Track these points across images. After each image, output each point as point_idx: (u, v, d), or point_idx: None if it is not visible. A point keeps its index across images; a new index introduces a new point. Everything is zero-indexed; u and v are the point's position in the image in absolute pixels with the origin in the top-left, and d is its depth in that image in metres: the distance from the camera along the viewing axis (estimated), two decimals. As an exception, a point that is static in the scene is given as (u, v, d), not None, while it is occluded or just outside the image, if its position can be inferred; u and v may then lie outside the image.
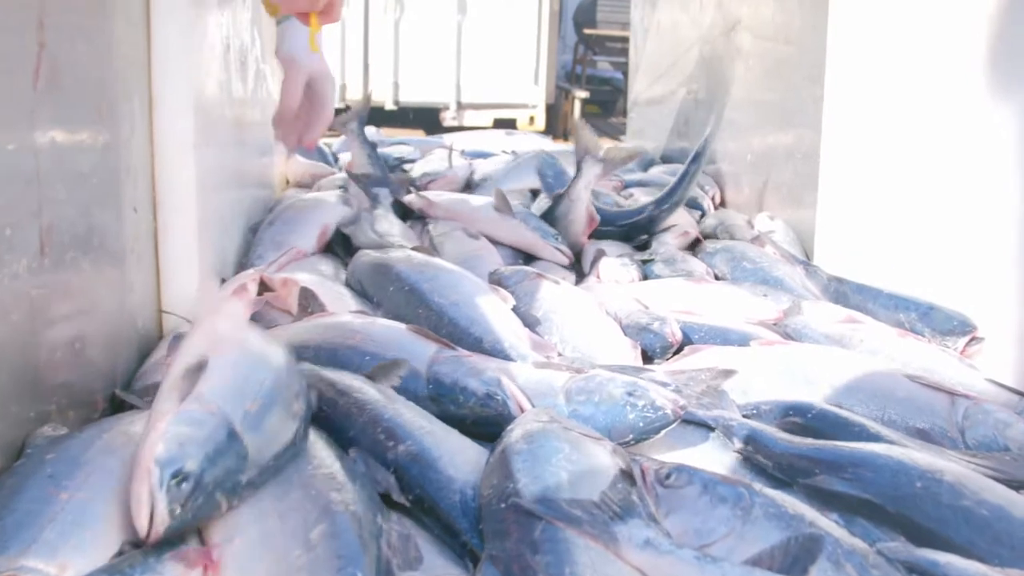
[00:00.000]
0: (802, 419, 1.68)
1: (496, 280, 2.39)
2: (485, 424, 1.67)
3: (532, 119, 10.68)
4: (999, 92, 2.15)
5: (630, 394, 1.64)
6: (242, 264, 2.64)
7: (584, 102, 11.24)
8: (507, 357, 1.97)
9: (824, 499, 1.43)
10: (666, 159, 4.71)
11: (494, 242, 2.87)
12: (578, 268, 2.90)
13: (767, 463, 1.55)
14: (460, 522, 1.37)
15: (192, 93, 2.12)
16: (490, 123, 10.20)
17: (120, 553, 1.16)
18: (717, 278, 2.78)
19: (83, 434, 1.37)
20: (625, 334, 2.18)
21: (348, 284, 2.47)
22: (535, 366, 1.87)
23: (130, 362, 1.90)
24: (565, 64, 13.23)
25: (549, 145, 5.48)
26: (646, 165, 4.64)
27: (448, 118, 10.61)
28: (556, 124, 10.98)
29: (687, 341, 2.17)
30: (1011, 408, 1.75)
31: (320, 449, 1.39)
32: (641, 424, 1.61)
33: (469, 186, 3.83)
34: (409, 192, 3.32)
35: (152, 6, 2.03)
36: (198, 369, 1.30)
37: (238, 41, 2.67)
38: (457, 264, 2.44)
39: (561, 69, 12.55)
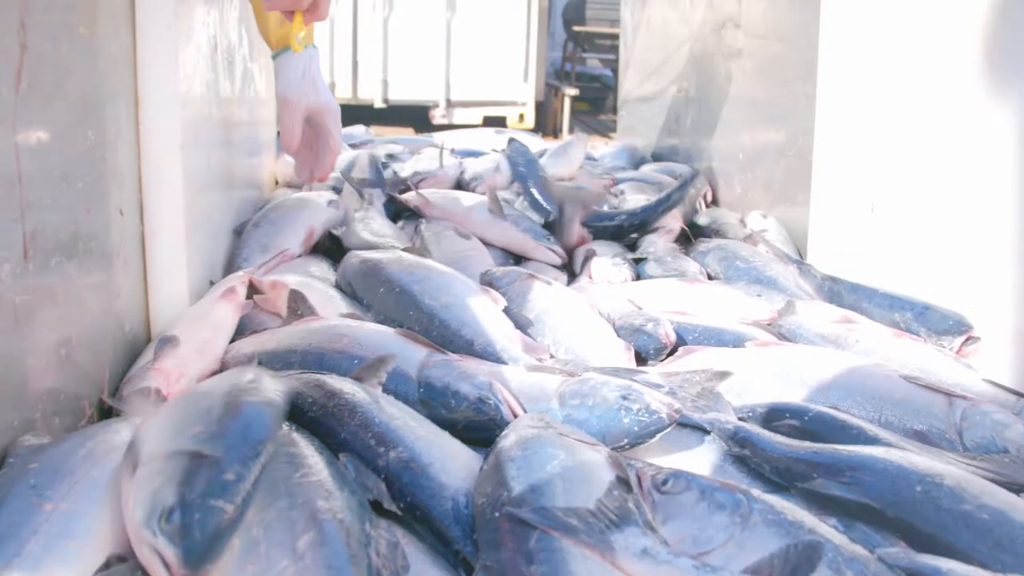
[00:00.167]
0: (799, 422, 1.66)
1: (487, 281, 2.37)
2: (477, 429, 1.65)
3: (522, 116, 10.65)
4: (994, 88, 2.13)
5: (624, 398, 1.62)
6: (230, 266, 2.61)
7: (574, 99, 11.21)
8: (499, 360, 1.95)
9: (822, 503, 1.42)
10: (657, 157, 4.70)
11: (487, 243, 2.84)
12: (570, 268, 2.88)
13: (764, 467, 1.53)
14: (453, 530, 1.35)
15: (178, 93, 2.10)
16: (480, 121, 10.16)
17: (107, 565, 1.14)
18: (710, 277, 2.76)
19: (66, 443, 1.34)
20: (618, 335, 2.17)
21: (338, 286, 2.45)
22: (528, 369, 1.85)
23: (117, 366, 1.87)
24: (554, 61, 13.22)
25: (539, 143, 5.46)
26: (637, 163, 4.63)
27: (437, 116, 10.57)
28: (546, 122, 10.95)
29: (681, 342, 2.15)
30: (1008, 409, 1.73)
31: (308, 455, 1.36)
32: (636, 428, 1.59)
33: (460, 185, 3.81)
34: (405, 191, 3.30)
35: (137, 5, 2.00)
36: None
37: (225, 40, 2.64)
38: (448, 265, 2.42)
39: (550, 66, 12.53)
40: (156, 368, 1.80)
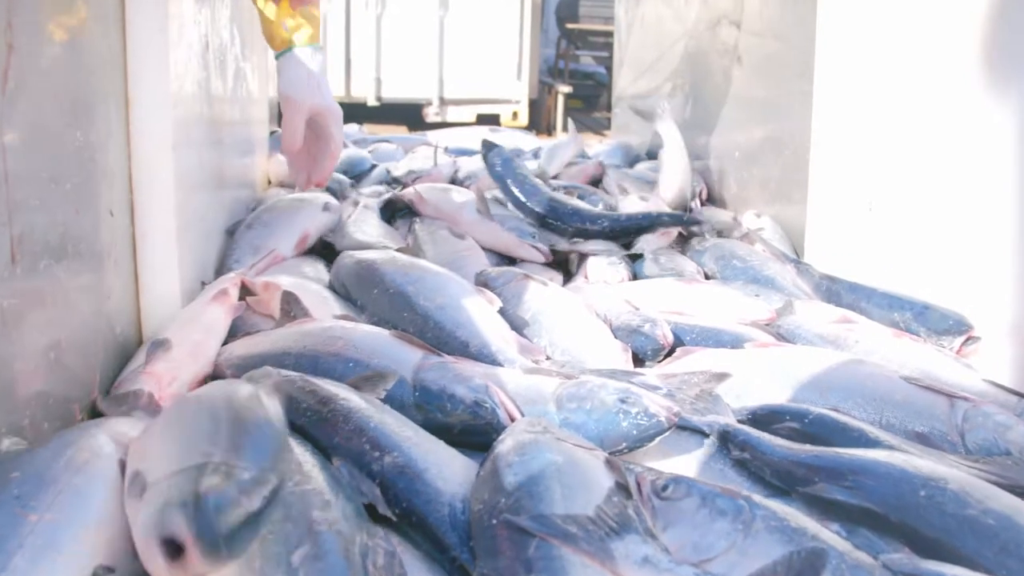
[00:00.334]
0: (799, 424, 1.64)
1: (482, 282, 2.35)
2: (473, 433, 1.64)
3: (515, 114, 10.63)
4: (993, 85, 2.12)
5: (623, 401, 1.60)
6: (222, 267, 2.58)
7: (567, 97, 11.19)
8: (494, 362, 1.93)
9: (824, 508, 1.40)
10: (651, 155, 4.67)
11: (477, 243, 2.82)
12: (565, 268, 2.86)
13: (764, 470, 1.51)
14: (449, 537, 1.32)
15: (170, 93, 2.07)
16: (473, 119, 10.14)
17: (94, 576, 1.11)
18: (707, 276, 2.74)
19: (46, 449, 1.30)
20: (615, 336, 2.15)
21: (332, 287, 2.42)
22: (524, 372, 1.83)
23: (108, 369, 1.84)
24: (548, 59, 13.19)
25: (532, 140, 5.44)
26: (632, 161, 4.61)
27: (431, 114, 10.55)
28: (539, 119, 10.94)
29: (678, 343, 2.13)
30: (1010, 410, 1.71)
31: (303, 461, 1.34)
32: (635, 432, 1.57)
33: (454, 184, 3.78)
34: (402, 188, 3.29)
35: (127, 4, 1.97)
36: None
37: (217, 39, 2.61)
38: (443, 265, 2.40)
39: (544, 64, 12.52)
40: (148, 372, 1.78)
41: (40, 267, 1.50)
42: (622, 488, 1.29)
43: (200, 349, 1.91)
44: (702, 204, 3.66)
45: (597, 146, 5.19)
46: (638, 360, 2.09)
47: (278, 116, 3.51)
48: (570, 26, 13.12)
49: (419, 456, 1.43)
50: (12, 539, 1.10)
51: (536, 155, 4.66)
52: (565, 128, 9.56)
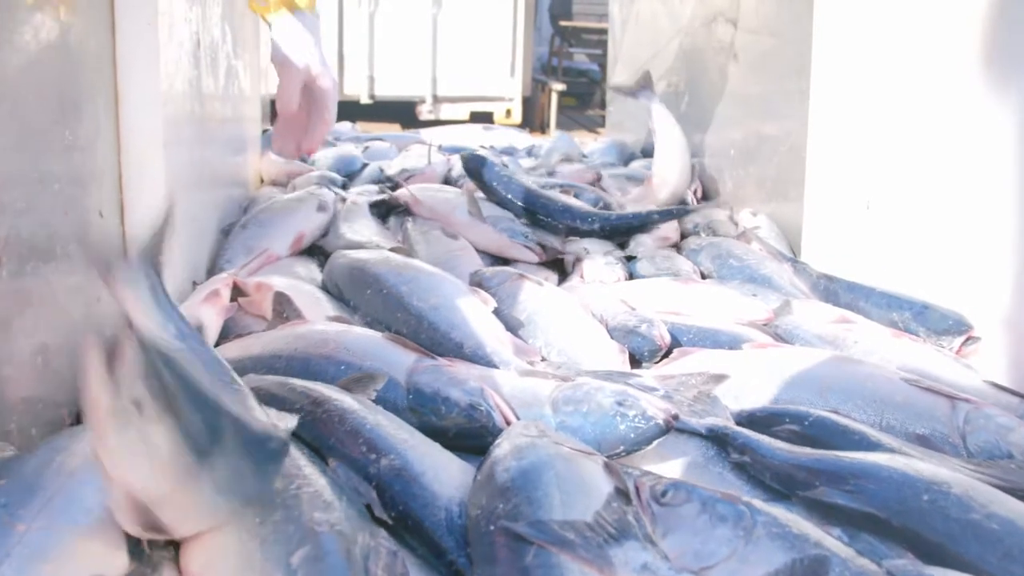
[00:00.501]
0: (799, 426, 1.62)
1: (477, 282, 2.32)
2: (468, 437, 1.62)
3: (509, 112, 10.61)
4: (992, 82, 2.10)
5: (620, 403, 1.58)
6: (214, 267, 2.55)
7: (561, 94, 11.18)
8: (489, 363, 1.91)
9: (825, 512, 1.37)
10: (646, 152, 4.65)
11: (474, 247, 2.80)
12: (560, 268, 2.84)
13: (764, 474, 1.49)
14: (446, 541, 1.31)
15: (160, 91, 2.04)
16: (467, 116, 10.12)
17: (84, 587, 1.09)
18: (703, 276, 2.72)
19: (35, 455, 1.28)
20: (612, 337, 2.13)
21: (324, 286, 2.40)
22: (519, 374, 1.81)
23: (98, 373, 1.82)
24: (541, 56, 13.18)
25: (526, 138, 5.42)
26: (626, 159, 4.59)
27: (424, 112, 10.53)
28: (533, 117, 10.91)
29: (675, 343, 2.11)
30: (1012, 411, 1.69)
31: (302, 464, 1.32)
32: (632, 435, 1.55)
33: (448, 182, 3.77)
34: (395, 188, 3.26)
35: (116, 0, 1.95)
36: None
37: (208, 37, 2.58)
38: (436, 265, 2.38)
39: (537, 61, 12.50)
40: (138, 375, 1.75)
41: (27, 270, 1.47)
42: (621, 493, 1.26)
43: (191, 351, 1.88)
44: (697, 202, 3.64)
45: (591, 144, 5.17)
46: (635, 361, 2.07)
47: (271, 115, 3.48)
48: (563, 23, 13.10)
49: (415, 459, 1.42)
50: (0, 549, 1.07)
51: (530, 153, 4.65)
52: (559, 126, 9.57)
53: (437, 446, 1.50)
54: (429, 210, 3.02)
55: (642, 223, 3.06)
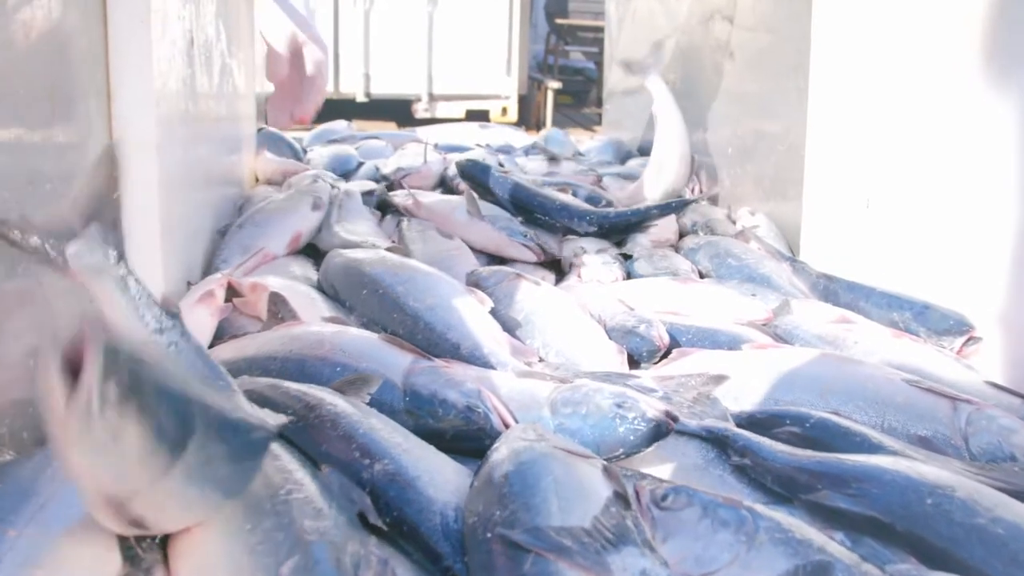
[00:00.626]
0: (799, 428, 1.60)
1: (474, 282, 2.30)
2: (466, 439, 1.60)
3: (505, 110, 10.60)
4: (993, 80, 2.08)
5: (619, 405, 1.56)
6: (210, 267, 2.53)
7: (557, 92, 11.17)
8: (486, 364, 1.89)
9: (827, 516, 1.36)
10: (643, 151, 4.63)
11: (469, 245, 2.78)
12: (558, 267, 2.82)
13: (766, 477, 1.48)
14: (442, 546, 1.29)
15: (153, 89, 2.02)
16: (462, 115, 10.11)
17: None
18: (701, 275, 2.70)
19: (30, 461, 1.26)
20: (610, 337, 2.11)
21: (320, 286, 2.38)
22: (517, 375, 1.79)
23: (91, 375, 1.79)
24: (537, 54, 13.17)
25: (522, 137, 5.40)
26: (623, 157, 4.58)
27: (420, 110, 10.52)
28: (529, 115, 10.91)
29: (674, 344, 2.10)
30: (1014, 412, 1.68)
31: (293, 469, 1.30)
32: (632, 437, 1.53)
33: (444, 181, 3.75)
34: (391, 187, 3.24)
35: (109, -2, 1.93)
36: None
37: (202, 35, 2.56)
38: (432, 264, 2.36)
39: (533, 60, 12.50)
40: (131, 377, 1.73)
41: (19, 271, 1.45)
42: (620, 498, 1.25)
43: (185, 353, 1.86)
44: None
45: (588, 142, 5.16)
46: (633, 362, 2.05)
47: (264, 114, 3.46)
48: (559, 21, 13.10)
49: (410, 463, 1.40)
50: (-11, 556, 1.06)
51: (527, 152, 4.62)
52: (555, 123, 9.55)
53: (432, 449, 1.48)
54: (428, 211, 3.00)
55: (641, 219, 3.04)
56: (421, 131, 5.28)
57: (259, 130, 4.02)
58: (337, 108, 8.55)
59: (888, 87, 2.46)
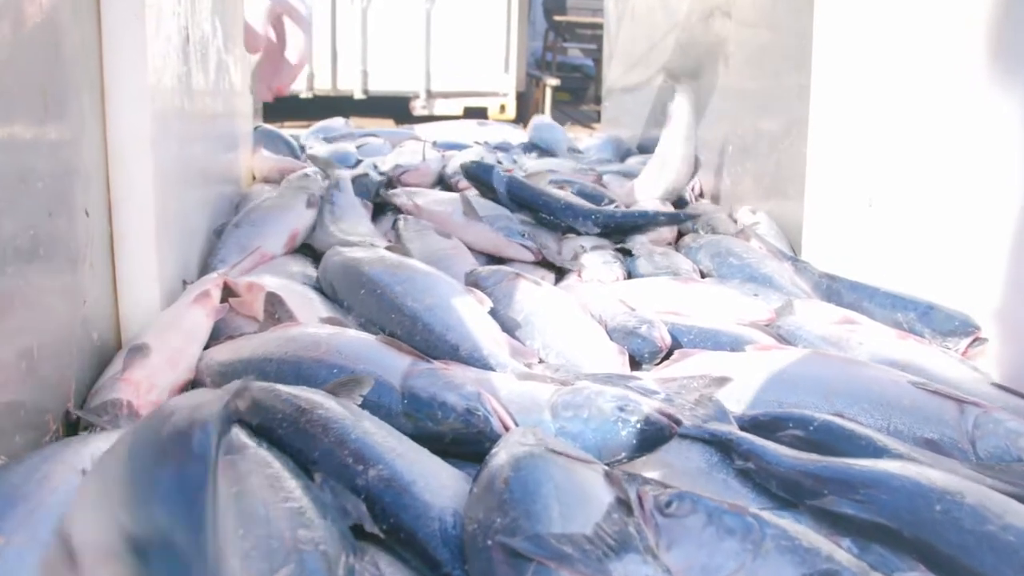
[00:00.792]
0: (803, 431, 1.58)
1: (473, 281, 2.28)
2: (465, 442, 1.57)
3: (503, 107, 10.60)
4: (999, 76, 2.06)
5: (621, 409, 1.53)
6: (206, 267, 2.51)
7: (555, 89, 11.16)
8: (486, 366, 1.86)
9: (834, 522, 1.33)
10: (643, 148, 4.62)
11: (468, 246, 2.75)
12: (557, 266, 2.79)
13: (770, 482, 1.45)
14: (440, 553, 1.26)
15: (148, 86, 1.99)
16: (460, 112, 10.11)
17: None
18: (702, 274, 2.68)
19: (20, 465, 1.23)
20: (611, 338, 2.09)
21: (319, 285, 2.35)
22: (517, 377, 1.76)
23: (86, 377, 1.77)
24: (535, 51, 13.16)
25: (520, 134, 5.38)
26: (623, 155, 4.55)
27: (418, 107, 10.52)
28: (527, 112, 10.88)
29: (676, 345, 2.07)
30: (1021, 415, 1.65)
31: (284, 477, 1.27)
32: (634, 441, 1.51)
33: (442, 179, 3.73)
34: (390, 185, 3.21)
35: (103, -7, 1.90)
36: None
37: (198, 31, 2.53)
38: (429, 263, 2.33)
39: (531, 56, 12.49)
40: (125, 379, 1.71)
41: (9, 272, 1.42)
42: (622, 504, 1.22)
43: (180, 355, 1.85)
44: (696, 199, 3.60)
45: (587, 140, 5.13)
46: (635, 363, 2.03)
47: (262, 112, 3.43)
48: (557, 18, 13.09)
49: (405, 468, 1.37)
50: (-26, 565, 1.03)
51: (526, 150, 4.60)
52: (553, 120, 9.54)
53: (428, 453, 1.45)
54: (427, 213, 2.97)
55: (649, 222, 3.01)
56: (419, 129, 5.26)
57: (256, 127, 4.00)
58: (335, 105, 8.54)
59: (891, 84, 2.43)
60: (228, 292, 2.17)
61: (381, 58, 10.39)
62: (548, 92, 10.94)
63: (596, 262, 2.63)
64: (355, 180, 3.19)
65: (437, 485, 1.36)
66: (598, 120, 6.71)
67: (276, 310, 2.01)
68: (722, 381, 1.75)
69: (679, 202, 3.53)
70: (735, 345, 2.03)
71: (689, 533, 1.21)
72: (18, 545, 1.07)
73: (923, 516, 1.27)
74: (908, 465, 1.38)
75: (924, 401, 1.67)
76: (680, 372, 1.87)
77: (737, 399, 1.74)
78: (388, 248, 2.41)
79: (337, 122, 5.37)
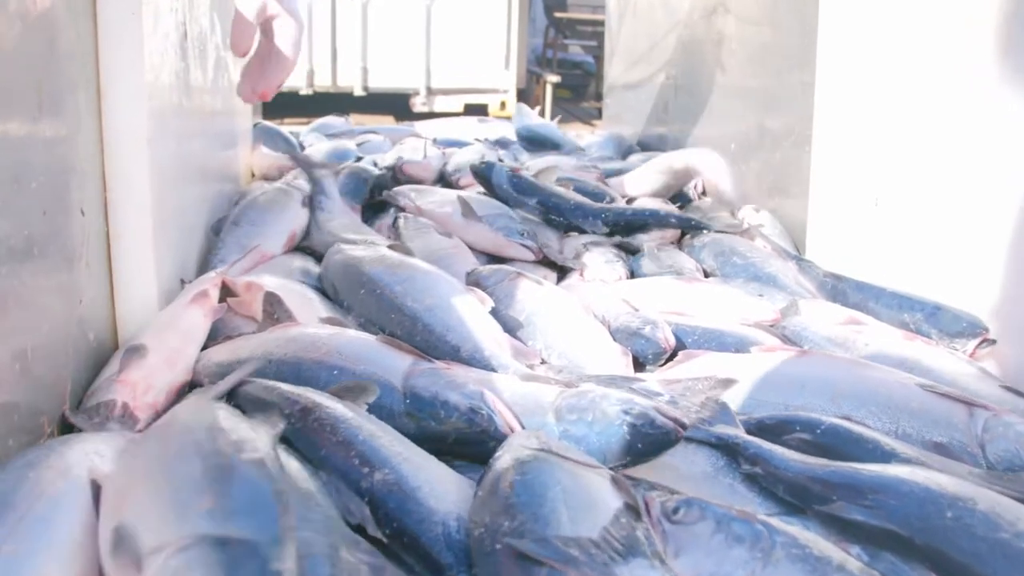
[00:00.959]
0: (810, 434, 1.55)
1: (474, 281, 2.25)
2: (468, 443, 1.55)
3: (503, 104, 10.58)
4: (1007, 74, 2.03)
5: (626, 412, 1.51)
6: (205, 266, 2.48)
7: (555, 86, 11.14)
8: (487, 367, 1.84)
9: (843, 528, 1.31)
10: (644, 146, 4.60)
11: (470, 247, 2.73)
12: (560, 266, 2.76)
13: (777, 487, 1.43)
14: (444, 557, 1.25)
15: (145, 83, 1.97)
16: (461, 108, 10.10)
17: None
18: (705, 274, 2.65)
19: (10, 470, 1.20)
20: (614, 339, 2.06)
21: (320, 284, 2.33)
22: (521, 379, 1.74)
23: (82, 378, 1.75)
24: (535, 48, 13.14)
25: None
26: (625, 152, 4.53)
27: (418, 104, 10.50)
28: (527, 109, 10.86)
29: (680, 345, 2.05)
30: (1031, 418, 1.63)
31: (288, 479, 1.25)
32: (640, 446, 1.48)
33: (443, 176, 3.70)
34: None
35: (98, -13, 1.87)
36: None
37: (196, 27, 2.51)
38: (429, 262, 2.30)
39: (531, 53, 12.47)
40: (121, 380, 1.68)
41: (3, 271, 1.40)
42: (630, 509, 1.20)
43: (178, 355, 1.82)
44: (699, 198, 3.58)
45: (589, 137, 5.11)
46: (638, 364, 2.01)
47: (262, 109, 3.40)
48: (558, 15, 13.08)
49: (410, 473, 1.35)
50: (-38, 575, 1.00)
51: (523, 147, 4.58)
52: (553, 117, 9.51)
53: (432, 459, 1.44)
54: (428, 214, 2.95)
55: (658, 222, 2.97)
56: (419, 126, 5.23)
57: (255, 125, 3.98)
58: (335, 102, 8.51)
59: (897, 81, 2.41)
60: (226, 292, 2.14)
61: (381, 55, 10.38)
62: (548, 89, 10.93)
63: (598, 261, 2.60)
64: (349, 176, 3.16)
65: (442, 490, 1.34)
66: (599, 117, 6.69)
67: (275, 310, 1.99)
68: (728, 383, 1.73)
69: (681, 200, 3.51)
70: (740, 346, 2.00)
71: (697, 540, 1.19)
72: (8, 554, 1.04)
73: (934, 523, 1.24)
74: (918, 470, 1.35)
75: (933, 404, 1.65)
76: (685, 373, 1.84)
77: (743, 401, 1.72)
78: (390, 246, 2.39)
79: (336, 119, 5.33)
